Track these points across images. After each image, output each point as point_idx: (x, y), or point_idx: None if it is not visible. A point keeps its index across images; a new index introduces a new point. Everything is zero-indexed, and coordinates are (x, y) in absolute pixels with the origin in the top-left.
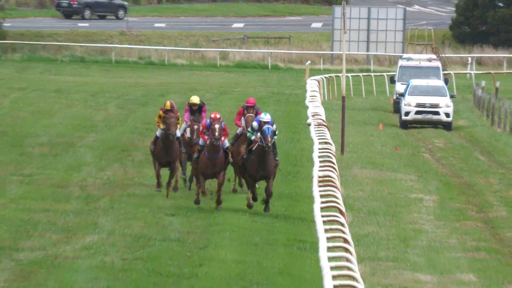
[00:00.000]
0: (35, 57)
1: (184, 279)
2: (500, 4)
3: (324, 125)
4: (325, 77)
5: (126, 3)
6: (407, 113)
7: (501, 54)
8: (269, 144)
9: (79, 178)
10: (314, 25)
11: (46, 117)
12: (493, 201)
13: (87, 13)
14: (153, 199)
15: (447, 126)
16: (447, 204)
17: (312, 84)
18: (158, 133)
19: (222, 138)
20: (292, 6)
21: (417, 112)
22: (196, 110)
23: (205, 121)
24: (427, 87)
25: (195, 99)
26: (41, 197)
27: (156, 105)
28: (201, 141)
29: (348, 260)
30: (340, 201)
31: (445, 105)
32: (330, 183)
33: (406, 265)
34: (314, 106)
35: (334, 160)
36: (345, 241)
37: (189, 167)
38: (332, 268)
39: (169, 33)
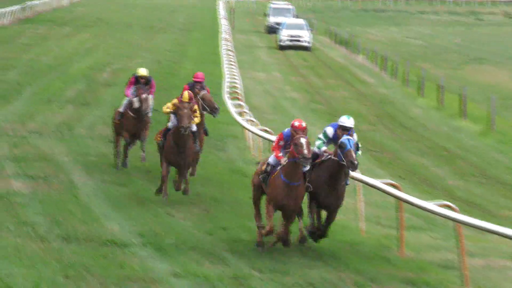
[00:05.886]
0: None
1: None
2: None
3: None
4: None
5: None
6: (283, 41)
7: None
8: (355, 162)
9: None
10: None
11: None
12: (302, 66)
13: None
14: None
15: (307, 48)
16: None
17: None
18: (170, 124)
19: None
20: None
21: (289, 40)
22: (143, 83)
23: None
24: (295, 24)
25: (143, 71)
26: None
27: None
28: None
29: (234, 66)
30: (231, 45)
31: (306, 36)
32: (228, 40)
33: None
34: (224, 13)
35: (230, 32)
36: (233, 62)
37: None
38: (224, 52)
39: None
